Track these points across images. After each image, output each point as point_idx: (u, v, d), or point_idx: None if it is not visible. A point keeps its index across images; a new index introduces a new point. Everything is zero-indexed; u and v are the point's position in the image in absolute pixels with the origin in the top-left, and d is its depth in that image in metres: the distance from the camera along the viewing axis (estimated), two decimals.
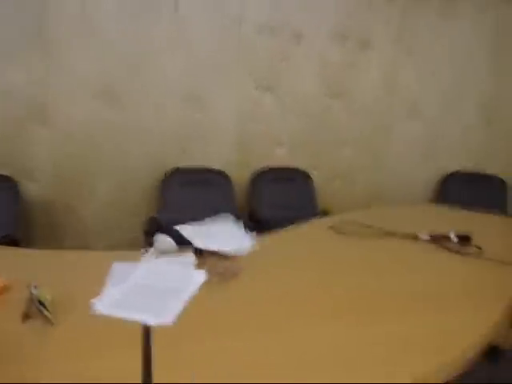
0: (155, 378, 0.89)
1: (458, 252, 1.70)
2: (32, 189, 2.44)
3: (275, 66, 2.68)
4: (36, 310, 1.04)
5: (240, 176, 2.75)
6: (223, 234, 1.42)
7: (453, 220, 2.17)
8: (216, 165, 2.68)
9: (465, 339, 1.13)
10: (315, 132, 2.88)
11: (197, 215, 1.66)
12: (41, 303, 1.06)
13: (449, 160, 3.22)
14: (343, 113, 2.90)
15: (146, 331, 1.05)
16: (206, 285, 1.33)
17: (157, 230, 2.14)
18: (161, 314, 1.12)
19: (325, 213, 2.64)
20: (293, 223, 1.90)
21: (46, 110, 2.36)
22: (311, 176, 2.86)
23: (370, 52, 2.84)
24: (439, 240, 1.79)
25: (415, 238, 1.82)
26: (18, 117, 2.33)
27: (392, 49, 2.88)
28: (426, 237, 1.81)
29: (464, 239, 1.78)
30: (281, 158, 2.85)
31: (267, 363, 0.98)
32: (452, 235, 1.79)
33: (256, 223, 2.48)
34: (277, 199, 1.82)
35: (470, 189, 3.06)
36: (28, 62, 2.27)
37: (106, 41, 2.36)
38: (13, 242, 1.94)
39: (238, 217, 1.65)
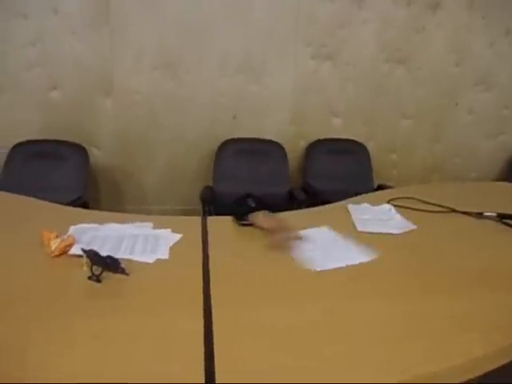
0: (216, 338, 0.94)
1: None
2: (98, 156, 2.60)
3: (334, 32, 2.58)
4: (105, 265, 1.13)
5: (294, 147, 2.74)
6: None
7: None
8: (271, 136, 2.68)
9: None
10: (374, 101, 2.76)
11: (250, 185, 1.70)
12: (111, 258, 1.15)
13: None
14: (405, 81, 2.75)
15: (207, 292, 1.11)
16: (267, 255, 1.37)
17: (212, 199, 2.23)
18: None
19: (380, 187, 2.56)
20: (347, 196, 1.87)
21: (110, 82, 2.48)
22: (367, 148, 2.77)
23: (438, 15, 2.63)
24: (506, 218, 1.68)
25: (480, 215, 1.72)
26: (86, 88, 2.47)
27: (463, 11, 2.65)
28: (492, 214, 1.71)
29: None
30: (337, 129, 2.78)
31: (321, 333, 1.00)
32: None
33: (309, 195, 2.47)
34: (331, 171, 1.79)
35: None
36: (94, 37, 2.39)
37: (166, 14, 2.40)
38: (83, 204, 2.10)
39: (291, 188, 1.66)
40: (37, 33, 2.35)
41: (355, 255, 1.34)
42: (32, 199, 1.69)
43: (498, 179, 2.95)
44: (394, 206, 1.83)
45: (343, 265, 1.28)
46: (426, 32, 2.66)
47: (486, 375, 0.99)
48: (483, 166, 3.03)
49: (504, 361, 1.00)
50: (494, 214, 1.71)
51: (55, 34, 2.36)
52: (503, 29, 2.71)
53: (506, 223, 1.66)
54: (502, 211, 1.72)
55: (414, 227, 1.59)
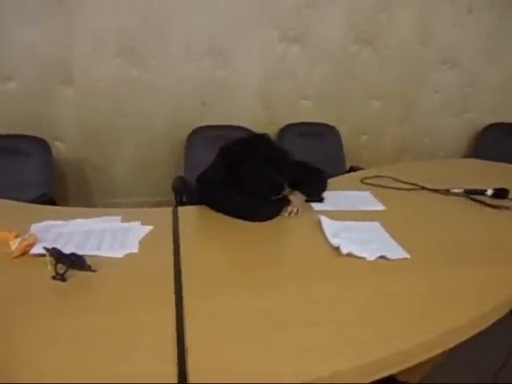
0: (187, 331, 0.92)
1: (492, 206, 1.64)
2: (62, 149, 2.49)
3: (300, 14, 2.53)
4: (69, 263, 1.08)
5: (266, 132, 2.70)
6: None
7: (488, 174, 2.08)
8: (241, 122, 2.63)
9: (501, 292, 1.10)
10: (343, 84, 2.76)
11: None
12: (75, 255, 1.10)
13: (486, 112, 3.04)
14: (373, 62, 2.75)
15: (178, 284, 1.08)
16: (240, 244, 1.35)
17: (184, 188, 2.17)
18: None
19: (352, 169, 2.58)
20: None
21: (70, 70, 2.36)
22: (338, 130, 2.77)
23: None
24: (473, 194, 1.72)
25: (448, 192, 1.76)
26: (44, 78, 2.34)
27: None
28: (459, 191, 1.75)
29: (500, 193, 1.71)
30: (307, 112, 2.76)
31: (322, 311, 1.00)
32: (488, 189, 1.72)
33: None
34: (303, 155, 1.77)
35: (509, 143, 2.89)
36: (51, 24, 2.25)
37: None
38: (49, 200, 2.01)
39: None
40: None
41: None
42: None
43: (466, 156, 3.03)
44: (367, 184, 1.85)
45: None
46: (391, 12, 2.66)
47: (458, 346, 1.01)
48: (451, 144, 3.10)
49: (475, 331, 1.03)
50: (461, 191, 1.75)
51: (6, 22, 2.21)
52: (466, 7, 2.74)
53: (472, 199, 1.70)
54: (469, 187, 1.76)
55: (383, 208, 1.60)
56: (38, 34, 2.26)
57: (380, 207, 1.61)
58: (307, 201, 1.61)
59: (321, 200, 1.64)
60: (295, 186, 1.62)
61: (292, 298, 1.05)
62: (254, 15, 2.48)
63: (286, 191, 1.58)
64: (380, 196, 1.72)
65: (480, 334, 1.04)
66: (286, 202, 1.54)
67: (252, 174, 1.44)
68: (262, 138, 1.57)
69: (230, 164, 1.50)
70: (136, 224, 1.40)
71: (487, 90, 2.98)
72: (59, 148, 2.48)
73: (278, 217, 1.50)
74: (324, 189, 1.69)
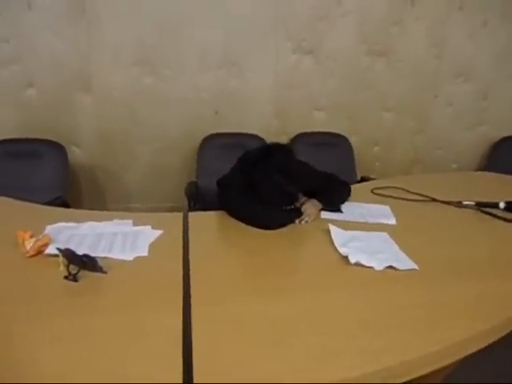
0: (194, 334, 0.93)
1: (504, 219, 1.62)
2: (78, 154, 2.55)
3: (313, 25, 2.57)
4: (81, 264, 1.11)
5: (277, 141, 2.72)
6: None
7: (501, 187, 2.05)
8: (253, 132, 2.66)
9: (506, 308, 1.09)
10: (355, 95, 2.77)
11: None
12: (87, 256, 1.12)
13: (500, 125, 3.01)
14: (386, 74, 2.75)
15: (187, 288, 1.10)
16: (249, 251, 1.37)
17: (196, 194, 2.20)
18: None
19: (363, 179, 2.57)
20: None
21: (89, 78, 2.42)
22: (350, 141, 2.78)
23: (416, 7, 2.64)
24: (485, 207, 1.71)
25: (459, 204, 1.74)
26: (64, 86, 2.42)
27: (441, 3, 2.67)
28: (470, 203, 1.73)
29: None
30: (319, 123, 2.78)
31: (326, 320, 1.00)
32: (500, 202, 1.70)
33: None
34: (314, 165, 1.79)
35: None
36: (72, 34, 2.33)
37: (144, 8, 2.35)
38: (63, 203, 2.06)
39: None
40: (11, 29, 2.28)
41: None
42: (8, 199, 1.65)
43: (478, 170, 2.99)
44: (377, 194, 1.85)
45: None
46: (404, 25, 2.67)
47: (466, 359, 1.00)
48: (464, 157, 3.07)
49: (482, 345, 1.02)
50: (472, 203, 1.73)
51: (30, 30, 2.30)
52: (480, 20, 2.73)
53: (484, 211, 1.69)
54: (480, 200, 1.74)
55: (394, 223, 1.59)
56: (59, 43, 2.34)
57: (392, 221, 1.59)
58: (325, 209, 1.61)
59: (339, 210, 1.64)
60: (314, 194, 1.64)
61: (300, 306, 1.05)
62: (267, 26, 2.53)
63: (302, 200, 1.60)
64: (390, 207, 1.71)
65: (489, 348, 1.03)
66: (299, 212, 1.55)
67: (263, 181, 1.46)
68: (282, 147, 1.61)
69: (244, 169, 1.53)
70: (147, 228, 1.42)
71: (501, 104, 2.95)
72: (75, 153, 2.54)
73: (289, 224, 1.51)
74: (344, 200, 1.70)
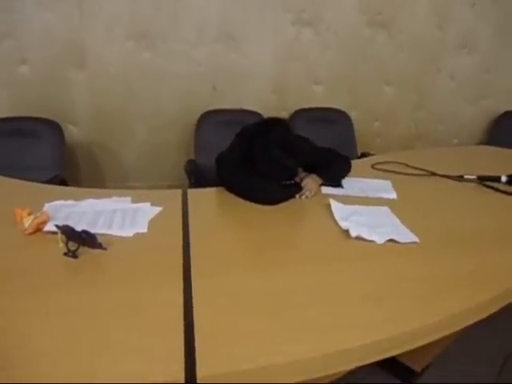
0: (195, 308, 0.93)
1: (506, 192, 1.61)
2: (74, 132, 2.51)
3: None
4: (81, 240, 1.10)
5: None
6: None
7: (503, 161, 2.04)
8: (252, 107, 2.62)
9: (506, 280, 1.09)
10: (356, 68, 2.71)
11: None
12: (86, 233, 1.12)
13: (503, 99, 2.96)
14: (387, 46, 2.69)
15: (187, 262, 1.09)
16: (248, 225, 1.36)
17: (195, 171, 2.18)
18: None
19: (364, 155, 2.55)
20: None
21: (83, 54, 2.36)
22: (350, 116, 2.74)
23: None
24: (487, 180, 1.69)
25: (461, 178, 1.73)
26: (58, 62, 2.35)
27: None
28: (472, 177, 1.72)
29: None
30: (319, 97, 2.73)
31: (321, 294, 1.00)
32: (502, 176, 1.69)
33: None
34: (314, 140, 1.77)
35: None
36: (64, 8, 2.25)
37: None
38: (61, 182, 2.04)
39: None
40: (1, 4, 2.20)
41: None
42: (5, 178, 1.63)
43: (480, 144, 2.96)
44: (377, 169, 1.83)
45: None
46: None
47: (466, 329, 1.01)
48: (465, 131, 3.04)
49: (483, 315, 1.02)
50: (474, 177, 1.72)
51: (20, 5, 2.22)
52: None
53: (486, 185, 1.68)
54: (482, 174, 1.73)
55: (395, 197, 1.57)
56: (51, 18, 2.26)
57: (392, 196, 1.58)
58: (325, 185, 1.60)
59: (339, 185, 1.63)
60: (314, 170, 1.63)
61: (300, 280, 1.06)
62: None
63: (302, 175, 1.59)
64: (391, 182, 1.70)
65: (490, 318, 1.04)
66: (299, 187, 1.54)
67: (262, 155, 1.45)
68: (279, 122, 1.58)
69: (243, 145, 1.52)
70: (146, 205, 1.41)
71: (505, 77, 2.90)
72: (71, 131, 2.50)
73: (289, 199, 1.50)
74: (344, 175, 1.68)
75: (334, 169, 1.66)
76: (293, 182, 1.54)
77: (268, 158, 1.44)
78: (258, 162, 1.46)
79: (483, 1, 2.67)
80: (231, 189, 1.53)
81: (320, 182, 1.59)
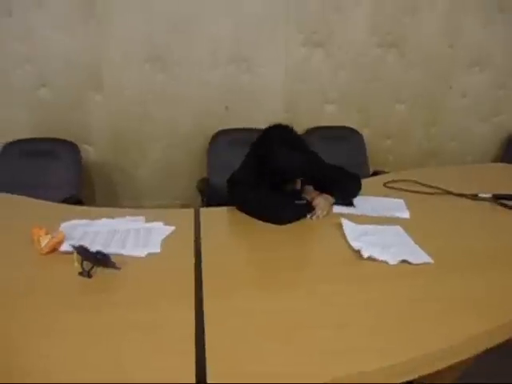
0: (207, 329, 0.93)
1: None
2: (91, 152, 2.58)
3: (325, 18, 2.54)
4: (95, 260, 1.12)
5: None
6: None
7: None
8: (264, 126, 2.64)
9: None
10: (367, 87, 2.73)
11: None
12: (101, 253, 1.13)
13: None
14: (398, 65, 2.71)
15: (199, 283, 1.10)
16: (260, 245, 1.36)
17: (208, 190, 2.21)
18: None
19: (376, 173, 2.54)
20: None
21: (100, 77, 2.44)
22: (362, 134, 2.74)
23: None
24: (502, 199, 1.67)
25: (475, 197, 1.71)
26: (76, 84, 2.44)
27: None
28: (487, 195, 1.70)
29: None
30: (330, 116, 2.75)
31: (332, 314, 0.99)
32: None
33: None
34: (326, 159, 1.78)
35: None
36: (82, 32, 2.34)
37: (153, 5, 2.35)
38: (77, 201, 2.08)
39: None
40: (22, 30, 2.31)
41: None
42: (23, 197, 1.68)
43: (494, 161, 2.93)
44: (390, 188, 1.82)
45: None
46: (417, 14, 2.62)
47: (485, 353, 0.98)
48: (479, 148, 3.01)
49: (501, 339, 1.00)
50: (489, 195, 1.69)
51: (41, 30, 2.32)
52: (497, 6, 2.66)
53: (501, 204, 1.65)
54: (497, 192, 1.71)
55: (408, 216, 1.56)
56: (70, 42, 2.36)
57: (405, 215, 1.56)
58: (338, 204, 1.60)
59: (351, 204, 1.62)
60: (325, 188, 1.63)
61: (313, 300, 1.05)
62: (277, 20, 2.50)
63: (313, 194, 1.60)
64: (404, 200, 1.69)
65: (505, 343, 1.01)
66: (310, 207, 1.54)
67: (268, 155, 1.48)
68: (280, 125, 1.64)
69: (253, 162, 1.55)
70: (159, 224, 1.43)
71: None
72: (88, 151, 2.57)
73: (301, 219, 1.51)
74: (356, 194, 1.68)
75: (346, 188, 1.66)
76: (304, 201, 1.55)
77: (273, 154, 1.46)
78: (266, 163, 1.48)
79: (495, 19, 2.68)
80: (243, 209, 1.54)
81: (332, 201, 1.59)
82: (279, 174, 1.48)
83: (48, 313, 0.97)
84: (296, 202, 1.54)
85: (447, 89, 2.84)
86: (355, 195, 1.67)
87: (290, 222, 1.48)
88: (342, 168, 1.72)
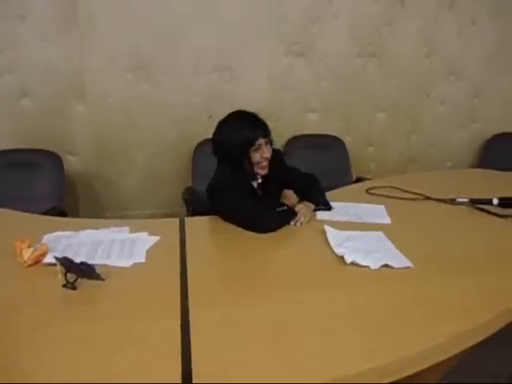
0: (193, 338, 0.94)
1: (498, 215, 1.64)
2: (74, 162, 2.55)
3: (306, 29, 2.59)
4: (79, 272, 1.11)
5: None
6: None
7: (494, 184, 2.07)
8: None
9: (502, 302, 1.11)
10: (348, 96, 2.79)
11: None
12: (85, 264, 1.13)
13: (492, 123, 3.03)
14: (378, 75, 2.78)
15: (185, 292, 1.10)
16: (244, 254, 1.38)
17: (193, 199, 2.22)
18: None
19: (359, 180, 2.59)
20: (326, 190, 1.88)
21: (83, 87, 2.43)
22: (344, 142, 2.80)
23: (406, 7, 2.67)
24: (479, 203, 1.72)
25: (453, 201, 1.76)
26: (58, 95, 2.42)
27: (431, 3, 2.70)
28: (464, 200, 1.75)
29: (506, 202, 1.70)
30: (313, 125, 2.79)
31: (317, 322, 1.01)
32: (493, 198, 1.72)
33: None
34: (309, 167, 1.81)
35: None
36: (64, 41, 2.34)
37: (136, 15, 2.37)
38: (60, 213, 2.06)
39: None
40: (4, 40, 2.29)
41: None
42: (4, 210, 1.66)
43: (473, 167, 3.02)
44: (372, 194, 1.86)
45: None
46: (395, 25, 2.70)
47: (466, 352, 1.01)
48: (458, 154, 3.10)
49: (479, 338, 1.03)
50: (466, 200, 1.75)
51: (23, 41, 2.30)
52: (469, 19, 2.77)
53: (478, 208, 1.70)
54: (475, 197, 1.76)
55: (389, 222, 1.60)
56: (52, 53, 2.34)
57: (386, 221, 1.60)
58: (318, 209, 1.63)
59: (329, 208, 1.66)
60: (301, 195, 1.67)
61: (297, 307, 1.06)
62: (260, 30, 2.55)
63: (294, 201, 1.62)
64: (385, 206, 1.73)
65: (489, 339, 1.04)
66: (293, 213, 1.56)
67: (229, 134, 1.57)
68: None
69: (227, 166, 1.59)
70: (143, 234, 1.43)
71: (493, 101, 2.98)
72: (71, 162, 2.54)
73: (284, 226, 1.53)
74: (324, 196, 1.72)
75: (319, 192, 1.71)
76: (285, 207, 1.57)
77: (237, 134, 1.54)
78: (227, 142, 1.56)
79: (469, 30, 2.79)
80: (225, 218, 1.55)
81: (313, 207, 1.62)
82: (230, 147, 1.55)
83: (33, 326, 0.96)
84: (277, 209, 1.55)
85: (425, 97, 2.92)
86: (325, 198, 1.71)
87: (272, 230, 1.49)
88: (300, 171, 1.77)
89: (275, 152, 1.66)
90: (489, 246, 1.43)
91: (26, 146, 2.38)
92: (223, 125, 1.63)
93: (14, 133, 2.43)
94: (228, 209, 1.55)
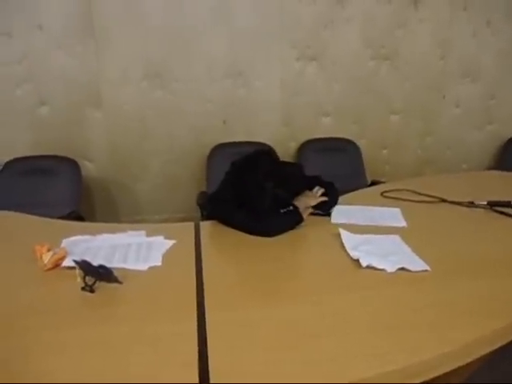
0: (209, 341, 0.94)
1: None
2: (91, 169, 2.61)
3: (318, 33, 2.60)
4: (97, 275, 1.13)
5: (286, 148, 2.75)
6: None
7: None
8: (261, 139, 2.69)
9: None
10: (362, 99, 2.79)
11: None
12: (103, 267, 1.15)
13: (508, 124, 2.99)
14: (392, 77, 2.77)
15: (201, 295, 1.11)
16: (260, 257, 1.38)
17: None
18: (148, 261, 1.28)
19: (374, 183, 2.57)
20: (341, 194, 1.87)
21: (99, 95, 2.49)
22: (358, 145, 2.78)
23: (420, 9, 2.66)
24: (497, 206, 1.69)
25: (471, 204, 1.73)
26: (75, 102, 2.49)
27: (445, 5, 2.69)
28: (482, 203, 1.72)
29: None
30: (327, 128, 2.80)
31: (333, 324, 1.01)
32: None
33: None
34: (324, 170, 1.81)
35: None
36: (80, 50, 2.40)
37: (150, 23, 2.42)
38: (78, 217, 2.10)
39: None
40: (22, 50, 2.36)
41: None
42: (24, 215, 1.69)
43: (489, 169, 2.97)
44: (387, 197, 1.85)
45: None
46: (409, 27, 2.69)
47: (481, 359, 0.99)
48: (474, 156, 3.05)
49: (498, 344, 1.01)
50: (484, 203, 1.72)
51: (41, 51, 2.37)
52: (484, 19, 2.74)
53: (496, 210, 1.67)
54: (492, 199, 1.73)
55: (405, 225, 1.58)
56: (69, 62, 2.41)
57: (402, 224, 1.58)
58: (314, 214, 1.62)
59: (328, 214, 1.64)
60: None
61: (313, 309, 1.06)
62: (272, 35, 2.57)
63: (313, 202, 1.62)
64: (401, 209, 1.71)
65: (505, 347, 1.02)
66: (299, 216, 1.53)
67: (254, 190, 1.48)
68: (264, 154, 1.65)
69: (234, 182, 1.56)
70: (159, 238, 1.45)
71: (509, 102, 2.94)
72: (88, 168, 2.60)
73: (298, 229, 1.52)
74: (334, 204, 1.70)
75: (333, 194, 1.70)
76: (291, 207, 1.54)
77: (260, 191, 1.47)
78: (251, 196, 1.48)
79: (483, 31, 2.75)
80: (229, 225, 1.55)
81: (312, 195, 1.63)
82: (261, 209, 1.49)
83: (52, 329, 0.98)
84: (281, 210, 1.52)
85: (440, 99, 2.89)
86: (331, 206, 1.69)
87: (277, 232, 1.47)
88: (316, 177, 1.75)
89: (296, 166, 1.65)
90: (508, 249, 1.40)
91: (44, 153, 2.45)
92: (263, 184, 1.51)
93: (33, 140, 2.50)
94: (224, 217, 1.57)
